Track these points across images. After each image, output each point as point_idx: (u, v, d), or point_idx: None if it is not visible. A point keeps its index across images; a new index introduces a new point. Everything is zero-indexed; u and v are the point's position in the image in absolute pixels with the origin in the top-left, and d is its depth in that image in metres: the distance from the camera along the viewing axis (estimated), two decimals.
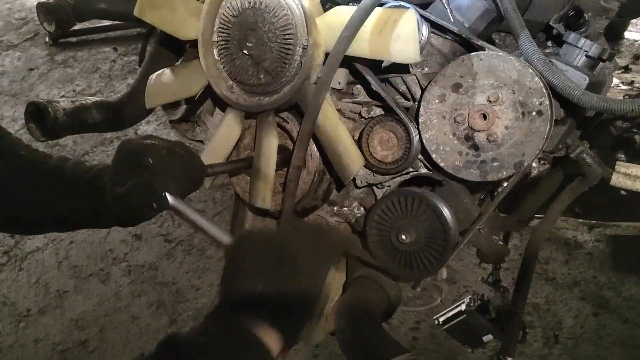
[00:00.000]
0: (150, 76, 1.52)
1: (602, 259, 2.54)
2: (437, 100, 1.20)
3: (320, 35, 1.20)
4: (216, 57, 1.36)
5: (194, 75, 1.40)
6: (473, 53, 1.14)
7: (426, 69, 1.28)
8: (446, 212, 1.24)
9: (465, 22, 1.24)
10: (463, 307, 1.58)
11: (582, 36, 1.24)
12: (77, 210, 1.15)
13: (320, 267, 0.94)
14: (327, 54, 1.21)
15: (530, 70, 1.09)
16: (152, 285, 2.67)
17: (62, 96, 3.78)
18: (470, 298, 1.55)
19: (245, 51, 1.28)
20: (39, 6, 1.44)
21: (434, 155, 1.22)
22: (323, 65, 1.22)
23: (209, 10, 1.32)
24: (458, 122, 1.19)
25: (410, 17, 1.09)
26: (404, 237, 1.26)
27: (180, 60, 1.68)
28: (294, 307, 0.88)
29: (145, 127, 3.34)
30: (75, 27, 2.26)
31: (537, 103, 1.10)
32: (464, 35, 1.17)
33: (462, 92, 1.17)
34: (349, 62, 1.27)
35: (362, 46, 1.15)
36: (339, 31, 1.17)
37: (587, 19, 1.27)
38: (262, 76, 1.28)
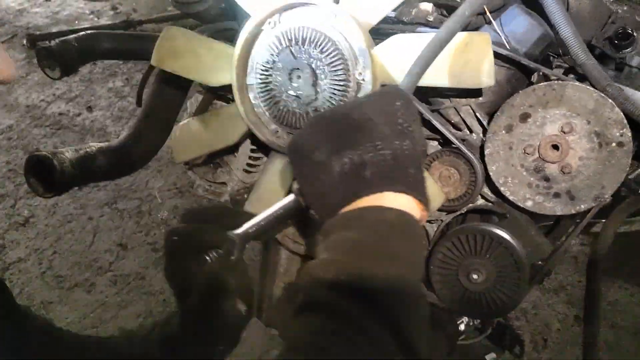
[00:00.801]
0: (175, 128, 1.40)
1: (586, 263, 2.53)
2: (503, 131, 1.14)
3: (379, 69, 1.12)
4: (253, 101, 1.26)
5: (230, 123, 1.29)
6: (544, 83, 1.10)
7: (480, 99, 1.22)
8: (519, 247, 1.19)
9: (521, 48, 1.19)
10: (462, 327, 1.55)
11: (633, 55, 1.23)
12: None
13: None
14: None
15: (610, 100, 1.05)
16: (139, 295, 2.57)
17: (42, 100, 3.68)
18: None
19: (291, 92, 1.18)
20: (39, 51, 1.29)
21: (502, 189, 1.17)
22: None
23: (240, 53, 1.22)
24: (527, 154, 1.14)
25: (484, 39, 1.04)
26: (475, 276, 1.20)
27: (188, 105, 1.56)
28: (405, 164, 0.74)
29: None
30: (54, 30, 2.14)
31: (618, 134, 1.06)
32: (531, 66, 1.12)
33: (530, 122, 1.12)
34: None
35: (430, 74, 1.07)
36: (400, 62, 1.10)
37: (635, 37, 1.25)
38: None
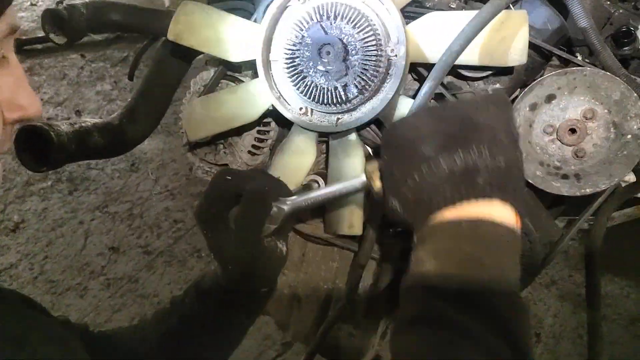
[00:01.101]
0: (191, 104, 1.35)
1: (577, 257, 2.64)
2: (527, 108, 1.19)
3: (412, 46, 1.14)
4: (277, 78, 1.24)
5: (251, 99, 1.27)
6: (577, 67, 1.15)
7: (497, 84, 1.27)
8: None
9: (539, 38, 1.24)
10: None
11: (630, 52, 1.32)
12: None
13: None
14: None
15: (635, 95, 1.12)
16: (133, 299, 2.58)
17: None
18: None
19: (320, 67, 1.18)
20: (46, 14, 1.21)
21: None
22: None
23: (267, 28, 1.20)
24: (546, 133, 1.19)
25: (522, 16, 1.08)
26: None
27: (192, 84, 1.52)
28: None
29: None
30: (40, 34, 2.07)
31: (636, 127, 1.13)
32: (561, 54, 1.18)
33: (554, 103, 1.17)
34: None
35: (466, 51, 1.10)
36: (435, 40, 1.13)
37: (636, 35, 1.34)
38: (342, 92, 1.18)
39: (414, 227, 0.75)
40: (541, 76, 1.32)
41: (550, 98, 1.16)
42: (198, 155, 1.56)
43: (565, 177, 1.20)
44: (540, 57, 1.26)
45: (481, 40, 1.09)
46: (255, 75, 1.40)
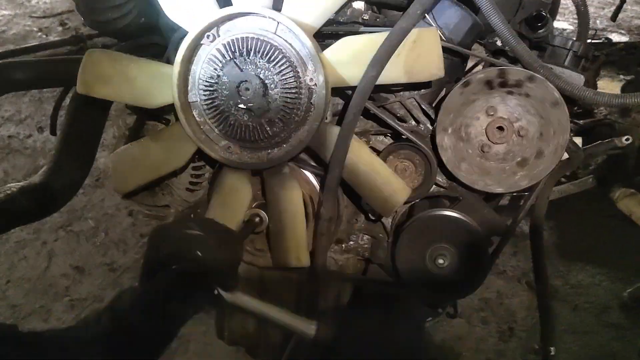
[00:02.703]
0: (115, 154, 1.29)
1: (548, 248, 2.59)
2: (452, 149, 1.20)
3: (330, 72, 1.12)
4: (198, 119, 1.20)
5: (176, 144, 1.22)
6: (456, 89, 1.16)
7: (422, 90, 1.26)
8: (474, 224, 1.25)
9: (455, 37, 1.24)
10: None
11: (544, 35, 1.33)
12: None
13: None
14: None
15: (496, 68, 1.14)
16: None
17: None
18: None
19: (241, 105, 1.14)
20: None
21: (460, 175, 1.21)
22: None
23: (180, 71, 1.16)
24: (484, 151, 1.19)
25: (432, 34, 1.07)
26: (441, 261, 1.25)
27: (115, 130, 1.46)
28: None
29: None
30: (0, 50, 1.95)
31: (523, 78, 1.13)
32: (480, 57, 1.18)
33: (463, 128, 1.19)
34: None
35: (383, 72, 1.09)
36: (351, 64, 1.11)
37: (547, 18, 1.35)
38: (267, 128, 1.15)
39: None
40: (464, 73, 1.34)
41: (458, 130, 1.19)
42: (136, 200, 1.52)
43: (522, 163, 1.20)
44: (457, 57, 1.26)
45: (396, 60, 1.07)
46: (177, 118, 1.36)
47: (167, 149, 1.24)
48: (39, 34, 4.12)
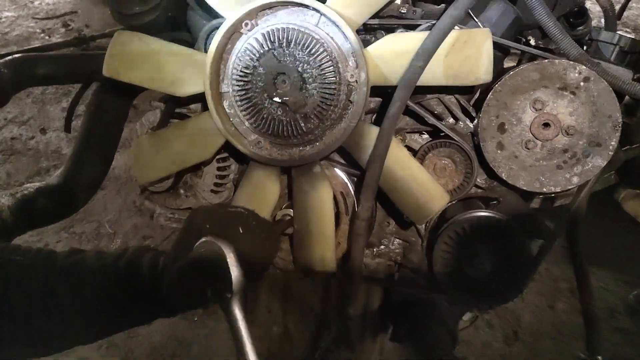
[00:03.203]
0: (138, 142, 1.23)
1: (554, 250, 2.57)
2: (495, 146, 1.14)
3: (372, 69, 1.07)
4: (228, 110, 1.15)
5: (202, 135, 1.17)
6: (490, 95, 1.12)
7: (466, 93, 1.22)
8: (519, 229, 1.20)
9: (497, 32, 1.19)
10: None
11: (584, 31, 1.29)
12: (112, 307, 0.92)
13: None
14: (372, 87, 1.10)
15: (545, 60, 1.10)
16: None
17: None
18: None
19: (276, 99, 1.09)
20: None
21: (507, 178, 1.16)
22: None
23: (213, 59, 1.11)
24: (529, 149, 1.14)
25: (485, 34, 1.02)
26: (481, 265, 1.19)
27: (138, 127, 1.40)
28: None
29: None
30: (3, 52, 1.89)
31: (577, 74, 1.09)
32: (530, 51, 1.14)
33: (508, 126, 1.14)
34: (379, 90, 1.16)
35: (427, 72, 1.04)
36: (395, 62, 1.06)
37: (588, 15, 1.31)
38: (302, 124, 1.10)
39: None
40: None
41: (502, 127, 1.14)
42: (157, 202, 1.46)
43: (582, 156, 1.14)
44: (500, 51, 1.22)
45: (445, 60, 1.02)
46: (205, 108, 1.31)
47: (193, 139, 1.18)
48: (42, 35, 4.13)
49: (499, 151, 1.15)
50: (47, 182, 1.41)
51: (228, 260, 0.85)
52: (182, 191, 1.42)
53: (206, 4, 1.12)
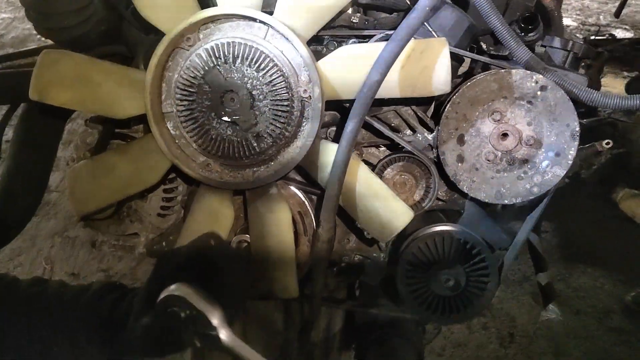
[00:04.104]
0: (72, 170, 1.12)
1: (550, 250, 2.54)
2: (455, 159, 1.11)
3: (325, 83, 1.01)
4: (173, 132, 1.07)
5: (148, 159, 1.08)
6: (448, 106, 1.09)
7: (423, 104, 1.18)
8: (481, 241, 1.17)
9: (451, 41, 1.15)
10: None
11: (536, 37, 1.28)
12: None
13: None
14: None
15: (501, 70, 1.08)
16: None
17: None
18: None
19: (225, 118, 1.02)
20: None
21: (469, 190, 1.12)
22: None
23: (153, 77, 1.02)
24: (489, 160, 1.11)
25: (442, 44, 0.98)
26: (448, 281, 1.16)
27: (73, 149, 1.29)
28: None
29: None
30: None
31: (534, 83, 1.07)
32: (486, 61, 1.11)
33: (468, 137, 1.11)
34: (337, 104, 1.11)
35: (386, 84, 0.99)
36: (350, 75, 1.01)
37: (539, 21, 1.30)
38: (255, 144, 1.03)
39: None
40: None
41: (461, 139, 1.11)
42: (99, 228, 1.35)
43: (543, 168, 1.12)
44: (456, 61, 1.18)
45: (401, 72, 0.98)
46: (147, 130, 1.21)
47: (136, 164, 1.09)
48: (38, 37, 3.98)
49: (459, 164, 1.11)
50: None
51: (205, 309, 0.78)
52: (124, 216, 1.32)
53: (142, 17, 1.03)
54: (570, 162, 1.09)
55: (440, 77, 0.98)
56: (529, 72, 1.07)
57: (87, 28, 1.22)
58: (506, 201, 1.13)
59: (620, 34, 3.79)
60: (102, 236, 1.37)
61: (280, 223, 1.08)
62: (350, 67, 1.00)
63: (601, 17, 4.22)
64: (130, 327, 0.82)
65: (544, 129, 1.09)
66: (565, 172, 1.10)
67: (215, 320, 0.78)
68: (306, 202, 1.18)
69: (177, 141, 1.07)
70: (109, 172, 1.11)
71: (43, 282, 0.93)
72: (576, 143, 1.08)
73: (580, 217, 2.51)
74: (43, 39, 1.33)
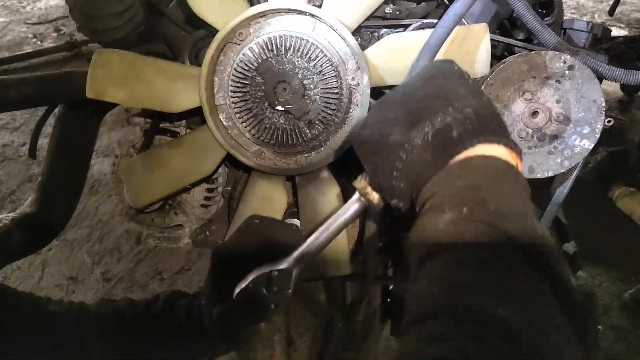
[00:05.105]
0: (127, 166, 1.17)
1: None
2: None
3: (372, 71, 1.07)
4: (226, 123, 1.12)
5: (203, 150, 1.13)
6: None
7: None
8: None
9: None
10: None
11: (552, 20, 1.36)
12: None
13: None
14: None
15: (532, 52, 1.14)
16: None
17: None
18: None
19: (279, 107, 1.07)
20: None
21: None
22: None
23: (208, 71, 1.07)
24: (522, 138, 1.19)
25: (483, 29, 1.05)
26: None
27: (117, 147, 1.33)
28: (490, 117, 0.71)
29: None
30: None
31: (562, 63, 1.14)
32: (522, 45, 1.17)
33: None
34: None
35: None
36: (396, 62, 1.07)
37: (554, 3, 1.37)
38: (307, 131, 1.09)
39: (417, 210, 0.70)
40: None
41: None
42: (144, 222, 1.39)
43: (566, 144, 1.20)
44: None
45: (444, 56, 1.04)
46: (190, 124, 1.27)
47: (192, 155, 1.14)
48: (34, 40, 4.03)
49: None
50: (22, 213, 1.31)
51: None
52: (169, 209, 1.37)
53: (192, 14, 1.08)
54: (598, 135, 1.18)
55: (481, 61, 1.05)
56: (557, 53, 1.14)
57: (128, 29, 1.26)
58: (539, 175, 1.20)
59: (615, 32, 3.87)
60: (147, 230, 1.40)
61: (331, 204, 1.14)
62: (395, 54, 1.06)
63: (596, 15, 4.33)
64: (205, 322, 0.86)
65: (572, 106, 1.17)
66: (592, 145, 1.18)
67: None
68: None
69: (229, 132, 1.12)
70: (165, 164, 1.16)
71: (112, 302, 0.93)
72: (602, 117, 1.16)
73: (577, 215, 2.60)
74: (39, 42, 1.37)
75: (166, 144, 1.20)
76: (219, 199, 1.39)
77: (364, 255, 1.15)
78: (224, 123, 1.12)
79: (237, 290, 0.84)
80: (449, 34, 0.99)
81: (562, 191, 1.28)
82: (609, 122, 1.50)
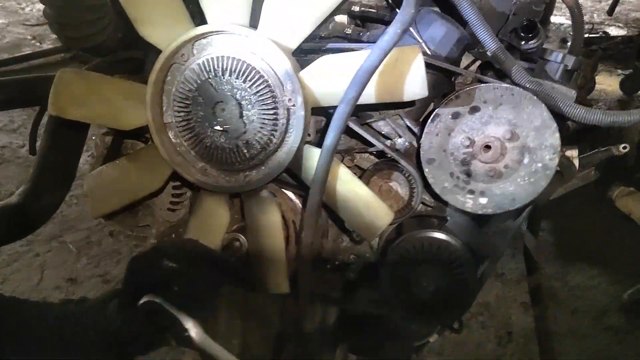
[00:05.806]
0: (90, 177, 1.25)
1: (546, 249, 2.55)
2: (450, 116, 1.13)
3: (308, 92, 1.07)
4: (174, 140, 1.16)
5: (151, 167, 1.18)
6: (505, 85, 1.11)
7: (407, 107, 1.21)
8: (463, 249, 1.20)
9: (441, 52, 1.19)
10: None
11: (537, 46, 1.28)
12: None
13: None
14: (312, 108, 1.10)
15: (555, 125, 1.09)
16: None
17: None
18: None
19: (217, 127, 1.10)
20: None
21: (426, 170, 1.16)
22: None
23: (153, 91, 1.11)
24: (463, 145, 1.14)
25: (414, 51, 1.02)
26: (425, 284, 1.21)
27: (93, 147, 1.41)
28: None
29: None
30: None
31: (548, 158, 1.11)
32: (458, 71, 1.13)
33: (477, 116, 1.13)
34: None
35: (364, 93, 1.04)
36: (329, 85, 1.07)
37: (539, 28, 1.30)
38: (245, 150, 1.11)
39: None
40: (454, 87, 1.28)
41: (474, 110, 1.11)
42: (116, 221, 1.47)
43: (471, 192, 1.17)
44: (445, 70, 1.21)
45: (378, 79, 1.02)
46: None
47: (143, 171, 1.20)
48: (33, 41, 4.17)
49: (440, 174, 1.15)
50: (6, 203, 1.42)
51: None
52: (138, 209, 1.44)
53: None
54: (552, 175, 1.12)
55: (416, 83, 1.02)
56: (505, 85, 1.10)
57: (105, 36, 1.33)
58: (488, 211, 1.16)
59: (613, 31, 3.67)
60: (119, 227, 1.48)
61: (270, 223, 1.16)
62: (329, 76, 1.06)
63: (595, 15, 4.09)
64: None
65: (527, 141, 1.12)
66: (545, 184, 1.12)
67: (189, 323, 0.87)
68: (298, 204, 1.25)
69: (178, 149, 1.16)
70: (121, 178, 1.23)
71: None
72: (556, 156, 1.11)
73: (576, 216, 2.46)
74: (38, 44, 1.46)
75: (125, 157, 1.26)
76: (187, 203, 1.44)
77: (297, 277, 1.16)
78: (173, 140, 1.16)
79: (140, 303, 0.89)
80: (383, 59, 0.97)
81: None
82: (624, 148, 1.43)
